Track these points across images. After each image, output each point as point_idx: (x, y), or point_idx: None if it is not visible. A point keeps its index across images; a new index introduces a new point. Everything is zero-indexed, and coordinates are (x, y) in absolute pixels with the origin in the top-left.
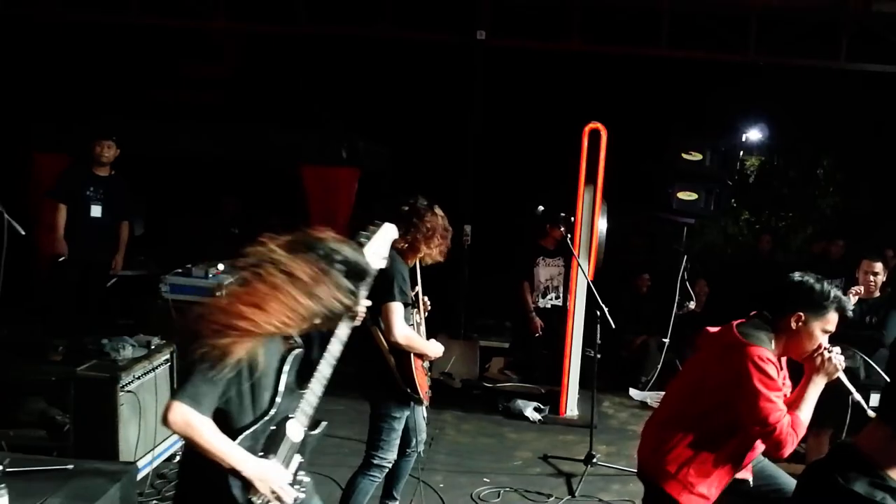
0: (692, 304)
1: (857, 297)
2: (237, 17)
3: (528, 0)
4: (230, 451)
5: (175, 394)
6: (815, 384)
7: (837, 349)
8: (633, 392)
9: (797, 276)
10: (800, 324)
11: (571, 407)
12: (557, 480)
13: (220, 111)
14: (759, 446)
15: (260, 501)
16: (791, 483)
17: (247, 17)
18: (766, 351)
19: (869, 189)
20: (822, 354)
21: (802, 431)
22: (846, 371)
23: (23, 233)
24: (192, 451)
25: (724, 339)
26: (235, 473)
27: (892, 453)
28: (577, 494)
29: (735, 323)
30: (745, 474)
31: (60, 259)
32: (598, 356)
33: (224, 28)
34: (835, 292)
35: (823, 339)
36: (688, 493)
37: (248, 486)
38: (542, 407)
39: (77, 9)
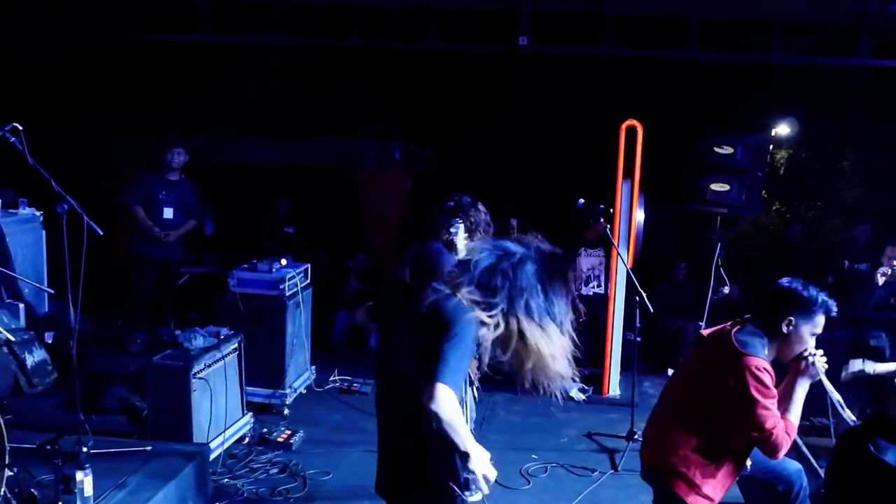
0: (726, 290)
1: (884, 279)
2: (297, 34)
3: (566, 9)
4: (469, 435)
5: (437, 378)
6: (801, 386)
7: (820, 352)
8: (671, 373)
9: (786, 282)
10: (791, 328)
11: (613, 387)
12: (601, 456)
13: (281, 120)
14: None
15: (474, 478)
16: (787, 465)
17: (306, 34)
18: (762, 360)
19: (892, 180)
20: (806, 358)
21: (794, 433)
22: (874, 350)
23: (101, 233)
24: (433, 434)
25: (722, 346)
26: (464, 456)
27: None
28: (619, 469)
29: (732, 331)
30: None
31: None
32: (639, 340)
33: (285, 44)
34: (822, 297)
35: (811, 342)
36: (695, 495)
37: (466, 467)
38: (586, 388)
39: (154, 30)
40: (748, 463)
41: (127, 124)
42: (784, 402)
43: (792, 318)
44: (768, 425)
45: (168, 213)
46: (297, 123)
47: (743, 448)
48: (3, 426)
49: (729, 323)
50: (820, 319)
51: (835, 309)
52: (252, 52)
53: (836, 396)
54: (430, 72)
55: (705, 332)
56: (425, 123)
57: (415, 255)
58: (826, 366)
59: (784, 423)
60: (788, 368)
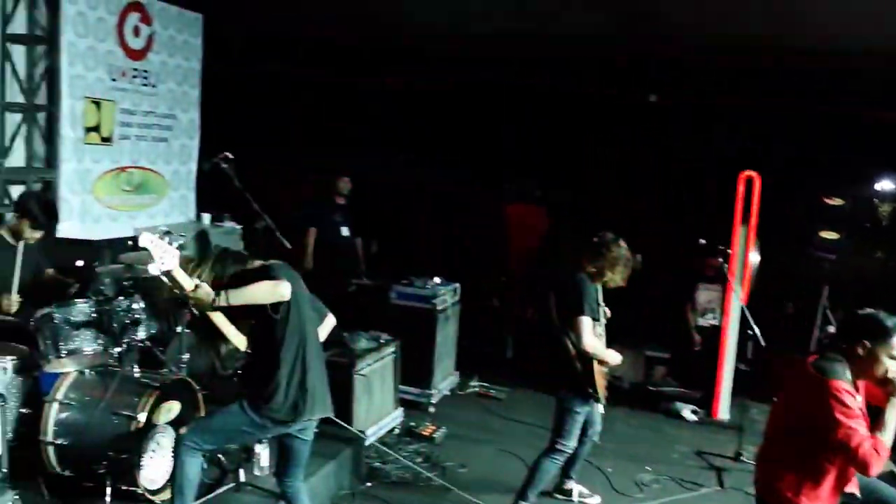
0: (832, 329)
1: None
2: (465, 77)
3: (690, 63)
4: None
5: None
6: (892, 406)
7: None
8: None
9: (864, 311)
10: (865, 350)
11: (723, 411)
12: (709, 473)
13: (442, 151)
14: None
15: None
16: (892, 493)
17: (462, 75)
18: (843, 382)
19: None
20: (891, 380)
21: (886, 452)
22: None
23: (289, 247)
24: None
25: (804, 375)
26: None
27: None
28: (725, 486)
29: (809, 360)
30: (852, 488)
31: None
32: (748, 369)
33: (446, 84)
34: (893, 321)
35: (892, 364)
36: None
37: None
38: (698, 409)
39: (336, 69)
40: (857, 492)
41: (305, 153)
42: (876, 422)
43: (866, 341)
44: (853, 444)
45: (344, 231)
46: (454, 154)
47: (840, 468)
48: (200, 399)
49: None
50: (894, 342)
51: None
52: (418, 91)
53: None
54: (572, 114)
55: (792, 363)
56: (564, 163)
57: (561, 284)
58: None
59: (873, 440)
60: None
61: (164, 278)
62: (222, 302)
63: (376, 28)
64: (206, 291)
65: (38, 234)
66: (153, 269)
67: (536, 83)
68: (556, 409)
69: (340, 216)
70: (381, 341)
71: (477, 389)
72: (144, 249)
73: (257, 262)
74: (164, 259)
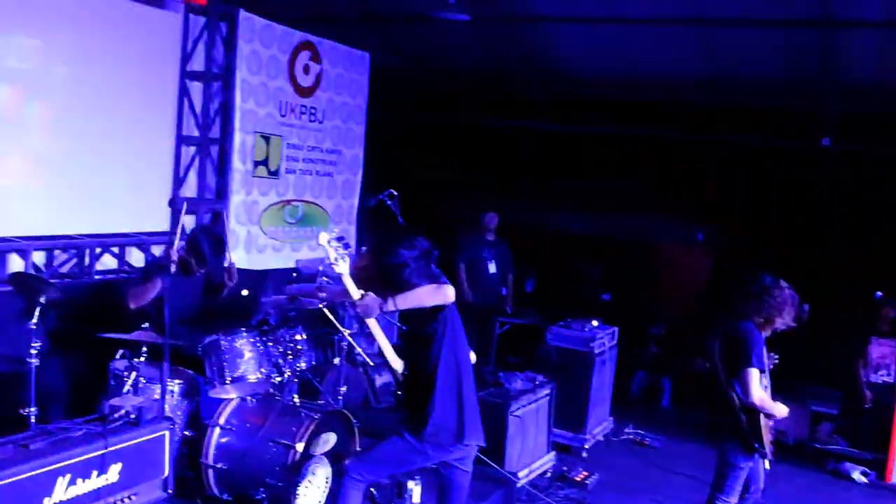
0: None
1: None
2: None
3: (868, 110)
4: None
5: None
6: None
7: None
8: None
9: None
10: None
11: None
12: None
13: (601, 197)
14: None
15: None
16: None
17: (629, 125)
18: None
19: None
20: None
21: None
22: None
23: (447, 283)
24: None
25: None
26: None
27: None
28: None
29: None
30: None
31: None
32: None
33: (608, 133)
34: None
35: None
36: None
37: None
38: (868, 471)
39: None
40: None
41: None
42: None
43: None
44: None
45: (492, 267)
46: (613, 201)
47: None
48: (356, 430)
49: None
50: None
51: None
52: (580, 137)
53: None
54: (738, 162)
55: None
56: (728, 208)
57: (728, 333)
58: None
59: None
60: None
61: (327, 312)
62: (389, 307)
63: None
64: (372, 297)
65: (203, 270)
66: (335, 267)
67: (705, 132)
68: (718, 463)
69: (489, 252)
70: (537, 383)
71: (632, 437)
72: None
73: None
74: (338, 261)
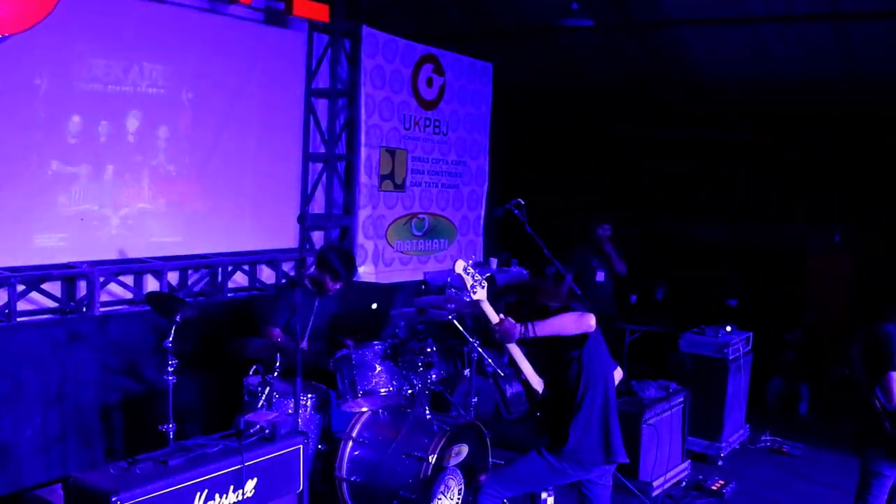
0: None
1: None
2: (761, 130)
3: None
4: None
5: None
6: None
7: None
8: None
9: None
10: None
11: None
12: None
13: (736, 206)
14: None
15: None
16: None
17: (765, 130)
18: None
19: None
20: None
21: None
22: None
23: (578, 292)
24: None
25: None
26: None
27: None
28: None
29: None
30: None
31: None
32: None
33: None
34: None
35: None
36: None
37: None
38: None
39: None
40: None
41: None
42: None
43: None
44: None
45: (600, 276)
46: (748, 209)
47: None
48: (488, 442)
49: None
50: None
51: None
52: (716, 144)
53: None
54: (879, 163)
55: None
56: (870, 211)
57: (868, 337)
58: None
59: None
60: None
61: (457, 325)
62: (528, 334)
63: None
64: (511, 322)
65: (338, 286)
66: (472, 296)
67: (843, 133)
68: (861, 471)
69: (598, 261)
70: (670, 390)
71: (769, 444)
72: (457, 279)
73: (552, 303)
74: (475, 289)
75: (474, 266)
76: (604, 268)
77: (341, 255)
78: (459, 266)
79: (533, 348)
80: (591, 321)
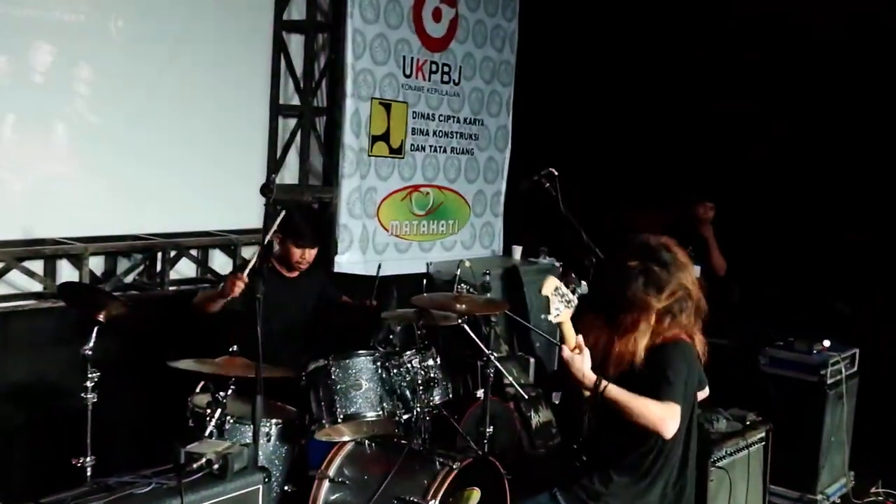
0: None
1: None
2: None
3: None
4: None
5: None
6: None
7: None
8: None
9: None
10: None
11: None
12: None
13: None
14: None
15: None
16: None
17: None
18: None
19: None
20: None
21: None
22: None
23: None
24: None
25: None
26: None
27: None
28: None
29: None
30: None
31: None
32: None
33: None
34: None
35: None
36: None
37: None
38: None
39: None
40: None
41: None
42: None
43: None
44: None
45: (696, 271)
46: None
47: None
48: (506, 484)
49: None
50: None
51: None
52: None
53: None
54: None
55: None
56: None
57: None
58: None
59: None
60: None
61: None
62: (596, 392)
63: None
64: (586, 363)
65: (308, 255)
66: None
67: None
68: None
69: (691, 252)
70: (747, 423)
71: (881, 499)
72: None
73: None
74: (559, 311)
75: (568, 284)
76: (699, 262)
77: (307, 214)
78: (549, 287)
79: None
80: (668, 430)
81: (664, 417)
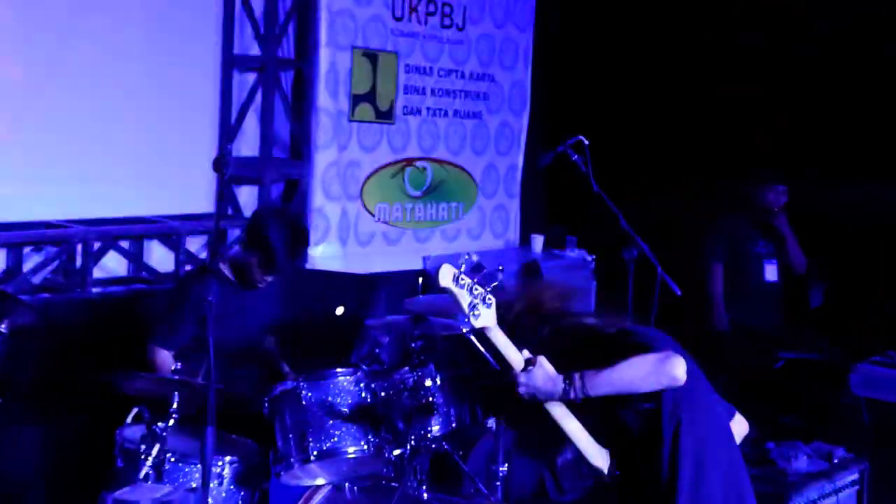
0: None
1: None
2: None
3: None
4: None
5: None
6: None
7: None
8: None
9: None
10: None
11: None
12: None
13: None
14: None
15: None
16: None
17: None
18: None
19: None
20: None
21: None
22: None
23: (678, 293)
24: None
25: None
26: None
27: None
28: None
29: None
30: None
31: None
32: None
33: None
34: None
35: None
36: None
37: None
38: None
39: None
40: None
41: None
42: None
43: None
44: None
45: (770, 273)
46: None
47: None
48: None
49: None
50: None
51: None
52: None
53: None
54: None
55: None
56: None
57: None
58: None
59: None
60: None
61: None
62: (577, 392)
63: None
64: (546, 373)
65: (268, 279)
66: (462, 325)
67: None
68: None
69: (765, 247)
70: (835, 461)
71: None
72: (445, 292)
73: (590, 320)
74: (476, 309)
75: (471, 272)
76: (776, 257)
77: (285, 226)
78: (446, 276)
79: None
80: (677, 369)
81: (665, 359)
